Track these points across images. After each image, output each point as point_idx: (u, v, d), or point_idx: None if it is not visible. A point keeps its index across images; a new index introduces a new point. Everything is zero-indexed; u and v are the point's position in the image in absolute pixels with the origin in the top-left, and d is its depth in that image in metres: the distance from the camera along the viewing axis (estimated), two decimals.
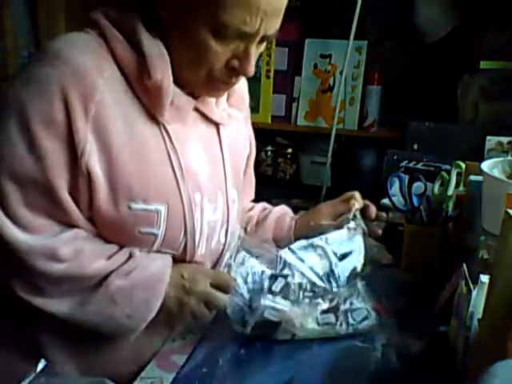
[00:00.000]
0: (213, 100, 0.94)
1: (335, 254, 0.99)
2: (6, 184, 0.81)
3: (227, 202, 0.98)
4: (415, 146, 1.90)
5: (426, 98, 2.14)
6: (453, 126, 1.92)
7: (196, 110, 0.92)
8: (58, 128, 0.80)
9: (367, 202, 1.13)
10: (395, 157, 1.83)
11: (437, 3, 1.99)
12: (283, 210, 1.21)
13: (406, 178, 1.41)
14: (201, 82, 0.87)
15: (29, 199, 0.81)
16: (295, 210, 1.23)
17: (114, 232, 0.87)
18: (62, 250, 0.82)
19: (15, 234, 0.81)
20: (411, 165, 1.80)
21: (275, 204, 1.25)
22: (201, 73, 0.85)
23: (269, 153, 2.44)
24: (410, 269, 1.30)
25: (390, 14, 2.21)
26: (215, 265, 1.01)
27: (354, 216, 1.05)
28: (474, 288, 0.87)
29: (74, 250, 0.84)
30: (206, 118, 0.95)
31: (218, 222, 0.97)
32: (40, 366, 0.74)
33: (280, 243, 1.08)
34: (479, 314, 0.83)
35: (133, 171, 0.84)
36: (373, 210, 1.13)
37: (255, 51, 0.85)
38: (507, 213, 0.75)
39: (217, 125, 0.97)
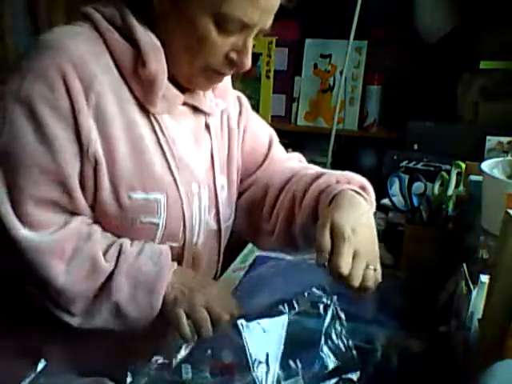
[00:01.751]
0: (200, 92, 0.95)
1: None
2: (17, 178, 0.80)
3: (215, 187, 0.98)
4: (415, 146, 1.90)
5: (425, 97, 2.14)
6: (453, 126, 1.92)
7: (184, 103, 0.93)
8: (65, 116, 0.80)
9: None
10: (395, 157, 1.83)
11: (437, 3, 1.99)
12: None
13: (406, 178, 1.41)
14: (195, 72, 0.88)
15: (39, 192, 0.81)
16: None
17: (116, 223, 0.87)
18: (66, 248, 0.82)
19: (23, 233, 0.80)
20: (411, 165, 1.80)
21: None
22: (197, 63, 0.86)
23: None
24: (409, 269, 1.30)
25: (389, 14, 2.21)
26: (217, 252, 1.03)
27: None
28: (474, 288, 0.87)
29: (75, 247, 0.83)
30: (195, 110, 0.96)
31: (207, 208, 0.97)
32: (40, 366, 0.74)
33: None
34: (479, 314, 0.83)
35: (130, 161, 0.85)
36: None
37: (251, 44, 0.86)
38: (507, 213, 0.75)
39: (205, 115, 0.98)
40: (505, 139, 1.71)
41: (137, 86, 0.86)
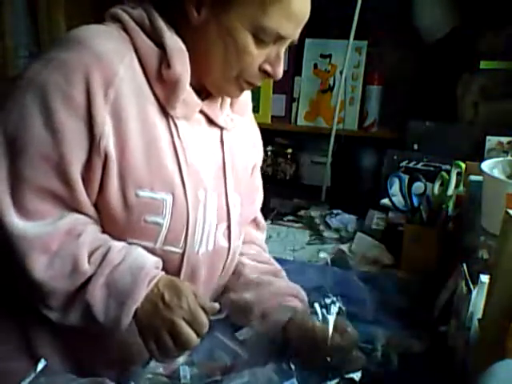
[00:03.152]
0: (218, 104, 0.96)
1: None
2: (19, 163, 0.80)
3: (227, 205, 0.98)
4: (415, 146, 1.89)
5: (425, 97, 2.14)
6: (453, 125, 1.91)
7: (201, 112, 0.94)
8: (77, 108, 0.81)
9: None
10: (395, 157, 1.83)
11: (437, 3, 1.99)
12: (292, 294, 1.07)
13: (406, 178, 1.41)
14: (228, 81, 0.90)
15: (39, 179, 0.81)
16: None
17: (119, 221, 0.87)
18: (53, 242, 0.82)
19: (14, 220, 0.80)
20: (411, 165, 1.81)
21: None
22: (232, 73, 0.88)
23: (269, 153, 2.43)
24: (409, 269, 1.30)
25: (389, 14, 2.21)
26: (221, 270, 1.02)
27: None
28: (474, 288, 0.87)
29: (63, 244, 0.82)
30: (210, 122, 0.97)
31: (219, 224, 0.97)
32: (40, 366, 0.74)
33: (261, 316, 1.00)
34: (479, 314, 0.83)
35: (141, 158, 0.86)
36: None
37: (283, 55, 0.90)
38: (507, 213, 0.75)
39: (220, 129, 0.98)
40: (505, 139, 1.71)
41: (159, 87, 0.87)
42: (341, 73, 2.20)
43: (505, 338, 0.71)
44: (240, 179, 1.02)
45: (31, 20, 2.54)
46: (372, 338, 0.97)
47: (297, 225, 1.68)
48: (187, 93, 0.88)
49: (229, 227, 0.99)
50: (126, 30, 0.87)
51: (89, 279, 0.83)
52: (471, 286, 0.88)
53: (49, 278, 0.82)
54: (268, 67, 0.89)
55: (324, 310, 0.89)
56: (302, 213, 1.77)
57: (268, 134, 2.40)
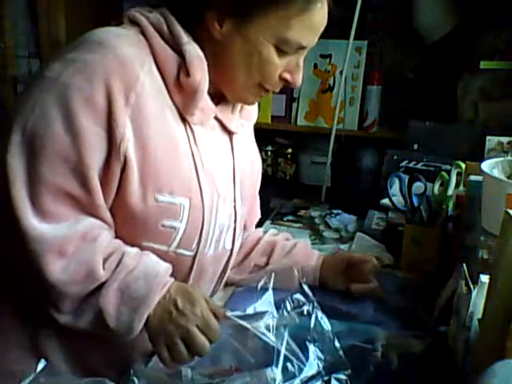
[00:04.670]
0: (230, 109, 0.98)
1: None
2: (38, 164, 0.80)
3: (235, 209, 1.01)
4: (415, 146, 1.89)
5: (425, 98, 2.14)
6: (453, 126, 1.91)
7: (214, 117, 0.95)
8: (98, 111, 0.81)
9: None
10: (395, 157, 1.83)
11: (437, 3, 1.99)
12: (307, 247, 1.25)
13: (406, 178, 1.41)
14: (247, 89, 0.92)
15: (57, 181, 0.81)
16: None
17: (136, 225, 0.87)
18: (69, 246, 0.81)
19: (32, 221, 0.80)
20: (411, 165, 1.80)
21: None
22: (253, 81, 0.90)
23: (269, 153, 2.44)
24: (409, 269, 1.30)
25: (389, 14, 2.21)
26: (221, 272, 1.04)
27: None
28: (474, 288, 0.87)
29: (77, 248, 0.82)
30: (222, 127, 0.98)
31: (225, 227, 0.99)
32: (40, 366, 0.74)
33: (305, 277, 1.08)
34: (479, 314, 0.83)
35: (162, 163, 0.86)
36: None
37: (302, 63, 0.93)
38: (507, 213, 0.75)
39: (230, 134, 1.00)
40: (505, 139, 1.71)
41: (177, 94, 0.88)
42: (341, 73, 2.20)
43: (505, 338, 0.71)
44: (244, 184, 1.04)
45: (31, 20, 2.54)
46: (372, 338, 0.97)
47: (297, 225, 1.68)
48: (204, 99, 0.89)
49: (234, 230, 1.02)
50: (144, 34, 0.87)
51: (102, 284, 0.83)
52: (471, 286, 0.88)
53: (63, 281, 0.81)
54: (288, 75, 0.91)
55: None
56: (301, 213, 1.77)
57: (268, 134, 2.42)
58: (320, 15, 0.89)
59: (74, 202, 0.83)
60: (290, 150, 2.42)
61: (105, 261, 0.84)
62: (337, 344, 0.87)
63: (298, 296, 0.88)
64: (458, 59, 2.02)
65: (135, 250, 0.87)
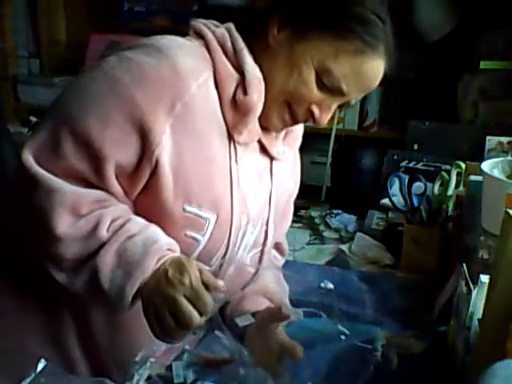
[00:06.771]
0: (273, 134, 0.97)
1: None
2: (63, 133, 0.81)
3: (266, 233, 1.00)
4: (415, 146, 1.89)
5: (425, 98, 2.14)
6: (453, 126, 1.91)
7: (257, 140, 0.95)
8: (136, 112, 0.80)
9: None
10: (395, 157, 1.83)
11: (437, 3, 1.99)
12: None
13: (406, 178, 1.41)
14: (274, 102, 0.89)
15: (72, 159, 0.81)
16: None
17: (160, 227, 0.86)
18: (83, 205, 0.82)
19: (43, 172, 0.81)
20: (411, 165, 1.80)
21: None
22: (283, 96, 0.89)
23: None
24: (409, 269, 1.30)
25: (390, 14, 2.21)
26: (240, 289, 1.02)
27: None
28: (474, 288, 0.87)
29: (93, 211, 0.82)
30: (263, 150, 0.97)
31: (253, 250, 0.99)
32: (40, 365, 0.74)
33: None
34: (479, 314, 0.83)
35: (196, 175, 0.86)
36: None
37: (335, 108, 0.91)
38: (507, 213, 0.75)
39: (271, 159, 0.99)
40: (505, 139, 1.71)
41: (230, 111, 0.87)
42: None
43: (505, 338, 0.71)
44: (278, 209, 1.04)
45: (31, 20, 2.54)
46: (372, 338, 0.97)
47: (297, 225, 1.68)
48: (254, 121, 0.89)
49: (261, 252, 1.01)
50: (208, 48, 0.88)
51: (102, 245, 0.82)
52: (471, 286, 0.88)
53: (69, 237, 0.81)
54: (316, 110, 0.89)
55: None
56: (302, 213, 1.77)
57: None
58: (371, 67, 0.88)
59: (85, 182, 0.83)
60: None
61: (111, 223, 0.83)
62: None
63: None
64: (458, 59, 2.02)
65: (144, 221, 0.86)
